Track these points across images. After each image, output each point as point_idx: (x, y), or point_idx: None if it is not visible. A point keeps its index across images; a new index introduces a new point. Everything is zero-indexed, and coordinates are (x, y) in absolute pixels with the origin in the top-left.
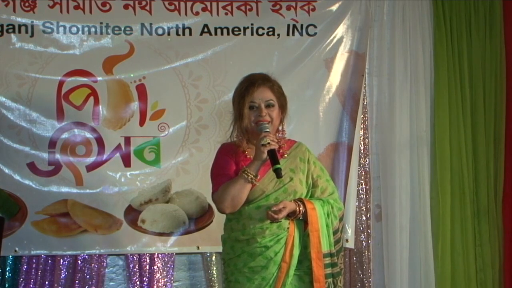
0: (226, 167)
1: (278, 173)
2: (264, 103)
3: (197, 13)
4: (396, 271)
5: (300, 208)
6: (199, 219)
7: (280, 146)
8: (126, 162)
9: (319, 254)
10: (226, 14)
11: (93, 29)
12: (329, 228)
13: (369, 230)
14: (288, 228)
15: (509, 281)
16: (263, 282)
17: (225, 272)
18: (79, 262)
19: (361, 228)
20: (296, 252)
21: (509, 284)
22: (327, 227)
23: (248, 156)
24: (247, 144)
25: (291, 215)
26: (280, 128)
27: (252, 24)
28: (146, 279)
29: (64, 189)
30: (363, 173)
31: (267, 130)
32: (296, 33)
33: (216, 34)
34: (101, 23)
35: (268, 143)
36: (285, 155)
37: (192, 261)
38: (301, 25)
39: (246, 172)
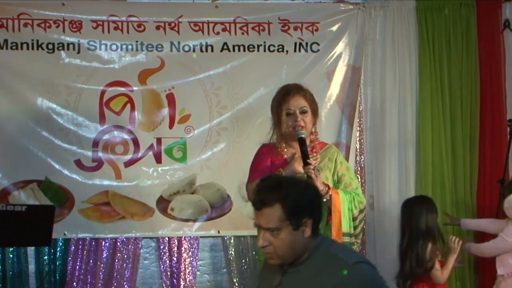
0: (262, 164)
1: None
2: (299, 110)
3: (217, 33)
4: (386, 253)
5: (328, 189)
6: (219, 207)
7: (312, 147)
8: (158, 159)
9: (339, 232)
10: (243, 33)
11: (130, 47)
12: (350, 212)
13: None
14: None
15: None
16: None
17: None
18: (118, 244)
19: None
20: None
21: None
22: (348, 211)
23: (284, 156)
24: (285, 146)
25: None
26: (313, 130)
27: (264, 42)
28: (175, 259)
29: (106, 182)
30: (359, 168)
31: (303, 135)
32: (302, 50)
33: (234, 50)
34: (136, 41)
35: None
36: (317, 154)
37: (214, 243)
38: (306, 43)
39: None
